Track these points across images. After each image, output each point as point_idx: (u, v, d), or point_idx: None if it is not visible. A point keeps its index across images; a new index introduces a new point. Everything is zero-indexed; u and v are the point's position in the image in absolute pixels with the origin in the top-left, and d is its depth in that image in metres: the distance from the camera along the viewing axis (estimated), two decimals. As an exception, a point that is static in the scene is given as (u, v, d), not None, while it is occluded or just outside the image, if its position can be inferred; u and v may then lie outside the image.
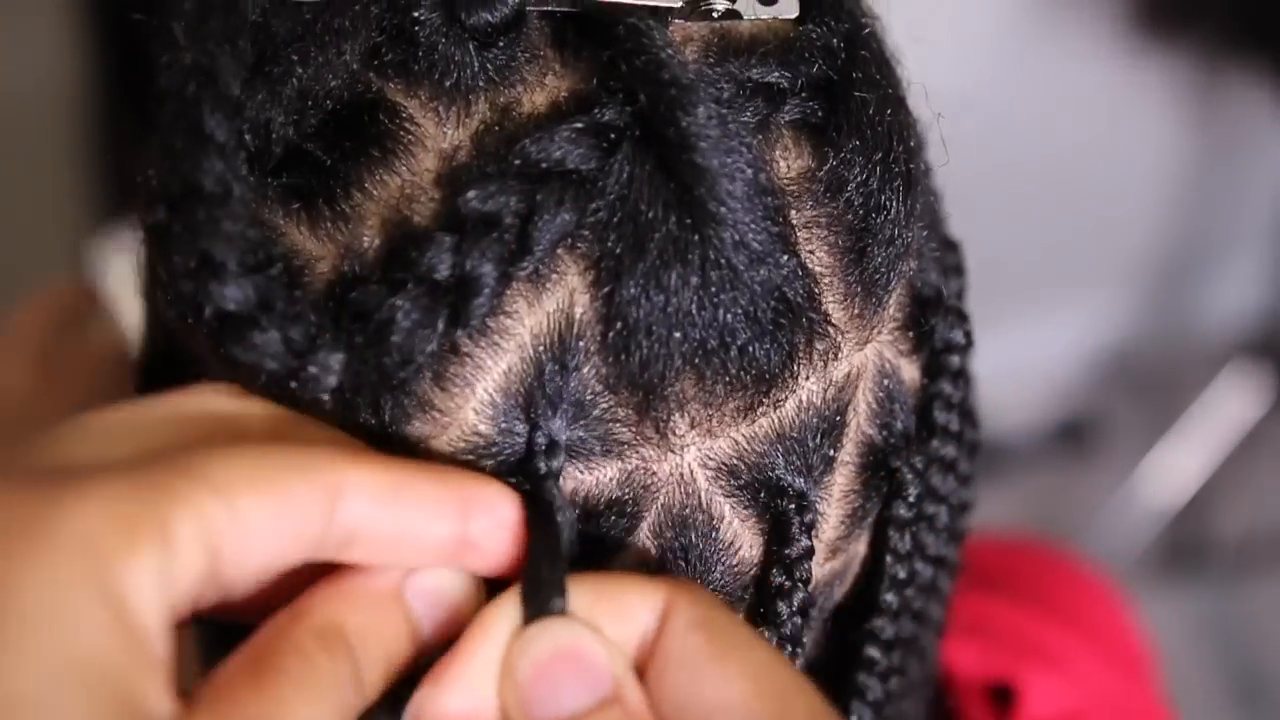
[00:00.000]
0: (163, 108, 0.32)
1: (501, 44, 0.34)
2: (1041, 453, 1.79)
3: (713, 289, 0.32)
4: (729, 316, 0.33)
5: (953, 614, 0.48)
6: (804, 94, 0.35)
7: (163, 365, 0.40)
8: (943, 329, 0.40)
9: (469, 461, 0.33)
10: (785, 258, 0.33)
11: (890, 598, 0.41)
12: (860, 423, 0.38)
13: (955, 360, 0.41)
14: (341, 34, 0.33)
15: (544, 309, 0.33)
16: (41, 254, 1.37)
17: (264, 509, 0.28)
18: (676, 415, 0.34)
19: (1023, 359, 1.76)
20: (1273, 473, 1.70)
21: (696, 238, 0.32)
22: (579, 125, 0.32)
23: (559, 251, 0.32)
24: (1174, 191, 1.80)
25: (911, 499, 0.40)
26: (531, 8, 0.34)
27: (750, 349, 0.33)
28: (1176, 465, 1.68)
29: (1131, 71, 1.64)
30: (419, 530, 0.31)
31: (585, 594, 0.32)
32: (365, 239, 0.33)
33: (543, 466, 0.33)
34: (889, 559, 0.40)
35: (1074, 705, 0.59)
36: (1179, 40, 1.61)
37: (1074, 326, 1.86)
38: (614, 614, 0.32)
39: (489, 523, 0.32)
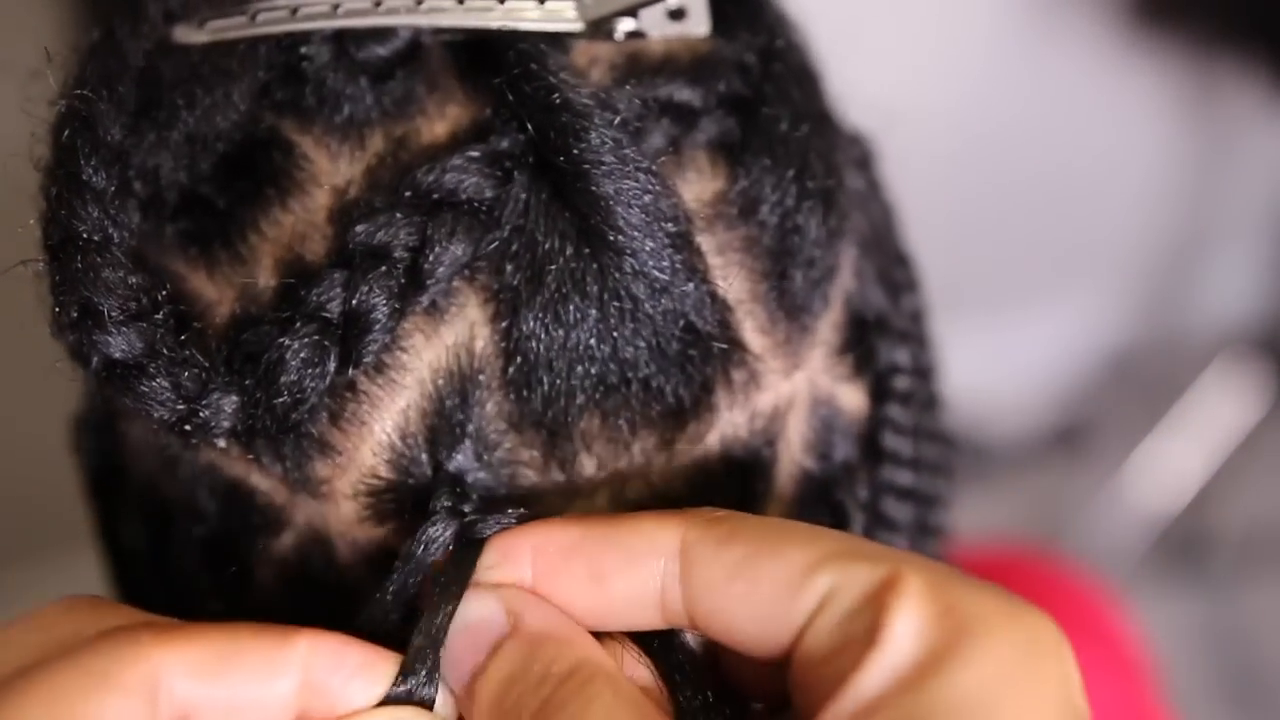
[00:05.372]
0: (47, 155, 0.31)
1: (399, 75, 0.33)
2: (1036, 453, 1.78)
3: (612, 321, 0.31)
4: (630, 350, 0.32)
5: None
6: (719, 112, 0.34)
7: (96, 417, 0.40)
8: (886, 351, 0.38)
9: (372, 504, 0.32)
10: (690, 286, 0.32)
11: None
12: (794, 454, 0.36)
13: (903, 382, 0.39)
14: (229, 75, 0.32)
15: (443, 343, 0.32)
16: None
17: None
18: (583, 455, 0.32)
19: (1017, 359, 1.75)
20: (1268, 472, 1.69)
21: (595, 267, 0.31)
22: (472, 154, 0.31)
23: (457, 284, 0.31)
24: (1168, 189, 1.79)
25: (858, 531, 0.38)
26: (426, 38, 0.33)
27: (653, 383, 0.32)
28: (1172, 465, 1.67)
29: (1125, 68, 1.63)
30: (255, 694, 0.30)
31: None
32: (261, 280, 0.32)
33: (448, 504, 0.31)
34: None
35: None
36: (1173, 35, 1.60)
37: (1068, 326, 1.84)
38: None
39: (338, 676, 0.30)
